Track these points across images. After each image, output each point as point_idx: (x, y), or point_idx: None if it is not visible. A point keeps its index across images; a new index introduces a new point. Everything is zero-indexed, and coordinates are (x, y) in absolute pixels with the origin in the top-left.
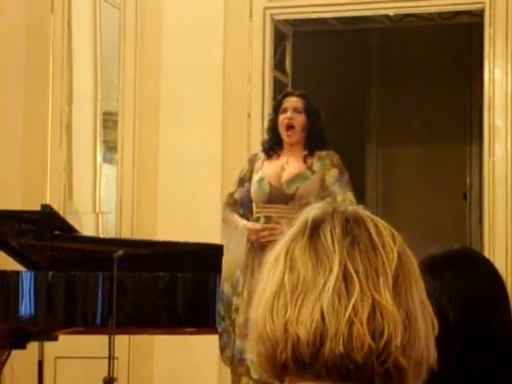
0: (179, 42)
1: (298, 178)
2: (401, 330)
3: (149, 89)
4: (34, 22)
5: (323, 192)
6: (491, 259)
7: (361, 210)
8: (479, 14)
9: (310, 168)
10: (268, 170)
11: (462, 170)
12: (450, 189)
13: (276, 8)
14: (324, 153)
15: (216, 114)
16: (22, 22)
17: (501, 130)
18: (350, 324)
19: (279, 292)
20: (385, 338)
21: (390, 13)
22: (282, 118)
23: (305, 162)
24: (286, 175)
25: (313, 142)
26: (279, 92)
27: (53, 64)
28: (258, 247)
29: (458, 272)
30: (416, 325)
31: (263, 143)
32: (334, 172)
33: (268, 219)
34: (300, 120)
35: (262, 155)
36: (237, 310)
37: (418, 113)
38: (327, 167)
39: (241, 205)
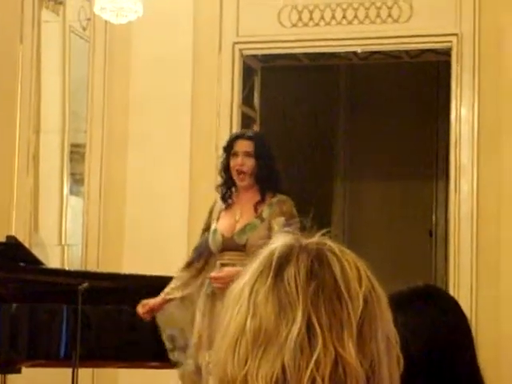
0: (148, 75)
1: (247, 228)
2: None
3: (117, 121)
4: (2, 51)
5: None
6: (456, 296)
7: (327, 246)
8: (446, 52)
9: (259, 216)
10: (222, 223)
11: (428, 206)
12: (416, 225)
13: (245, 43)
14: (275, 199)
15: (184, 147)
16: None
17: (467, 167)
18: (312, 380)
19: (241, 338)
20: None
21: (358, 50)
22: (233, 162)
23: (255, 210)
24: (238, 227)
25: (263, 186)
26: (247, 126)
27: (21, 94)
28: (210, 296)
29: (421, 309)
30: (380, 373)
31: (217, 188)
32: (280, 220)
33: (224, 266)
34: (250, 165)
35: (219, 203)
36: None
37: (384, 149)
38: (275, 215)
39: (196, 250)
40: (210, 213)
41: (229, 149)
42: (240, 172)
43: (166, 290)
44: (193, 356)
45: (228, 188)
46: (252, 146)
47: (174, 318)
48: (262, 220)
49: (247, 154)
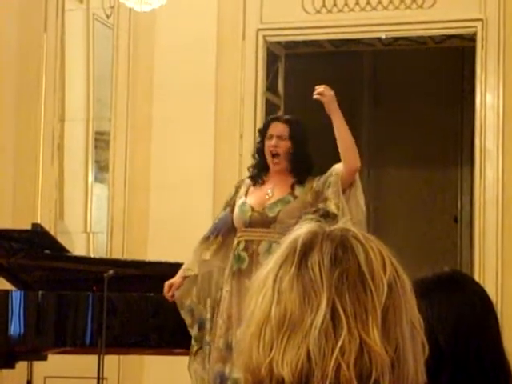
0: (172, 62)
1: (279, 202)
2: (389, 371)
3: (141, 109)
4: (26, 40)
5: (305, 211)
6: (481, 282)
7: (352, 232)
8: (471, 37)
9: (292, 194)
10: (252, 197)
11: (453, 192)
12: (441, 212)
13: (269, 30)
14: (306, 181)
15: (208, 134)
16: (15, 39)
17: (492, 152)
18: (337, 367)
19: (265, 325)
20: (372, 381)
21: (382, 36)
22: (267, 144)
23: (292, 188)
24: (269, 202)
25: (300, 170)
26: (271, 113)
27: (45, 82)
28: (237, 274)
29: (447, 295)
30: (405, 359)
31: (249, 168)
32: (317, 178)
33: (249, 243)
34: (284, 147)
35: (248, 181)
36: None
37: (409, 135)
38: (309, 186)
39: (215, 225)
40: (237, 188)
41: (264, 131)
42: (274, 154)
43: (185, 266)
44: (223, 335)
45: (259, 171)
46: (287, 130)
47: (191, 293)
48: (295, 197)
49: (281, 138)
